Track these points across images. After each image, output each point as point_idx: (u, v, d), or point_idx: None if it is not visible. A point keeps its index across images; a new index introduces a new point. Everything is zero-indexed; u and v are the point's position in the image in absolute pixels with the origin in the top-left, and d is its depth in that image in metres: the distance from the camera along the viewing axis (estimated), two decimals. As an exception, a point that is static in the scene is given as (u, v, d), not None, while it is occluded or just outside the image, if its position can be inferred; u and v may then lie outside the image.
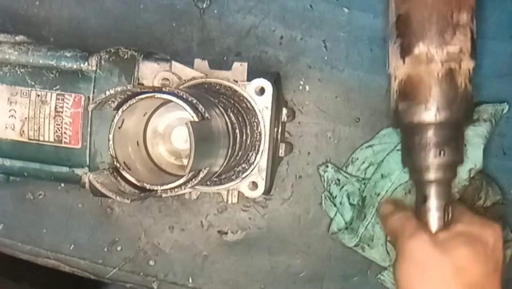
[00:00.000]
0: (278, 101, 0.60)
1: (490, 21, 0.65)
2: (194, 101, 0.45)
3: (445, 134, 0.55)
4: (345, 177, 0.67)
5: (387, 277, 0.67)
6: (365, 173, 0.66)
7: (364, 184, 0.66)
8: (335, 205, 0.67)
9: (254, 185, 0.57)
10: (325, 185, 0.67)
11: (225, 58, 0.68)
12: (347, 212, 0.67)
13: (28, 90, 0.57)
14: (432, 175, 0.55)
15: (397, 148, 0.65)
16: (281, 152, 0.62)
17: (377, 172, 0.65)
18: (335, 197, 0.67)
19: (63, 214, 0.71)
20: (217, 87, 0.55)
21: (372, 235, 0.66)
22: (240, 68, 0.55)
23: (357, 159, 0.67)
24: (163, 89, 0.45)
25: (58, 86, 0.57)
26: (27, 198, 0.71)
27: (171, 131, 0.54)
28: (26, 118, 0.57)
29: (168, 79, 0.55)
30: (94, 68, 0.56)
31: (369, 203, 0.65)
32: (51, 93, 0.57)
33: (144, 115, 0.51)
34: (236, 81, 0.55)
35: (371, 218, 0.65)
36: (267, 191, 0.61)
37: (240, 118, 0.53)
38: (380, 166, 0.65)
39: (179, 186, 0.45)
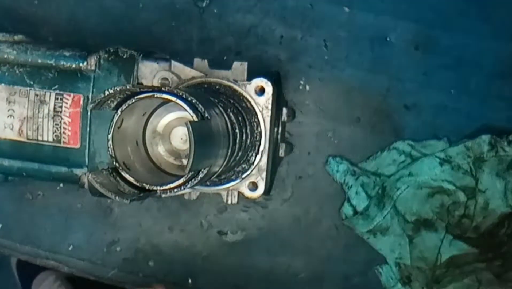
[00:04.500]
0: (278, 101, 0.59)
1: (490, 21, 0.65)
2: (194, 101, 0.44)
3: None
4: (360, 169, 0.66)
5: (385, 272, 0.67)
6: (384, 170, 0.66)
7: (380, 177, 0.66)
8: (350, 193, 0.67)
9: (254, 185, 0.57)
10: (337, 176, 0.67)
11: (225, 58, 0.67)
12: (362, 201, 0.66)
13: (27, 90, 0.57)
14: None
15: (435, 154, 0.65)
16: (281, 152, 0.62)
17: (406, 167, 0.65)
18: (351, 187, 0.66)
19: (62, 214, 0.71)
20: (216, 87, 0.55)
21: (388, 227, 0.65)
22: (240, 67, 0.55)
23: (380, 157, 0.66)
24: (163, 89, 0.45)
25: (57, 86, 0.57)
26: (26, 198, 0.71)
27: (170, 131, 0.53)
28: (24, 118, 0.57)
29: (167, 79, 0.55)
30: (93, 67, 0.56)
31: (388, 194, 0.65)
32: (50, 93, 0.57)
33: (143, 115, 0.51)
34: (236, 81, 0.55)
35: (390, 209, 0.65)
36: (267, 191, 0.61)
37: (240, 118, 0.53)
38: (411, 164, 0.65)
39: (179, 186, 0.45)
